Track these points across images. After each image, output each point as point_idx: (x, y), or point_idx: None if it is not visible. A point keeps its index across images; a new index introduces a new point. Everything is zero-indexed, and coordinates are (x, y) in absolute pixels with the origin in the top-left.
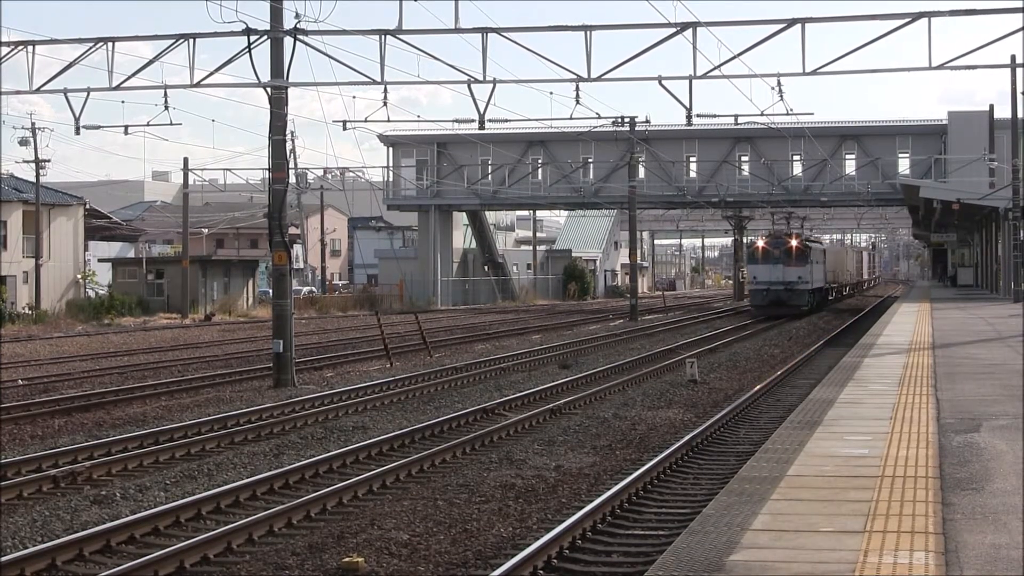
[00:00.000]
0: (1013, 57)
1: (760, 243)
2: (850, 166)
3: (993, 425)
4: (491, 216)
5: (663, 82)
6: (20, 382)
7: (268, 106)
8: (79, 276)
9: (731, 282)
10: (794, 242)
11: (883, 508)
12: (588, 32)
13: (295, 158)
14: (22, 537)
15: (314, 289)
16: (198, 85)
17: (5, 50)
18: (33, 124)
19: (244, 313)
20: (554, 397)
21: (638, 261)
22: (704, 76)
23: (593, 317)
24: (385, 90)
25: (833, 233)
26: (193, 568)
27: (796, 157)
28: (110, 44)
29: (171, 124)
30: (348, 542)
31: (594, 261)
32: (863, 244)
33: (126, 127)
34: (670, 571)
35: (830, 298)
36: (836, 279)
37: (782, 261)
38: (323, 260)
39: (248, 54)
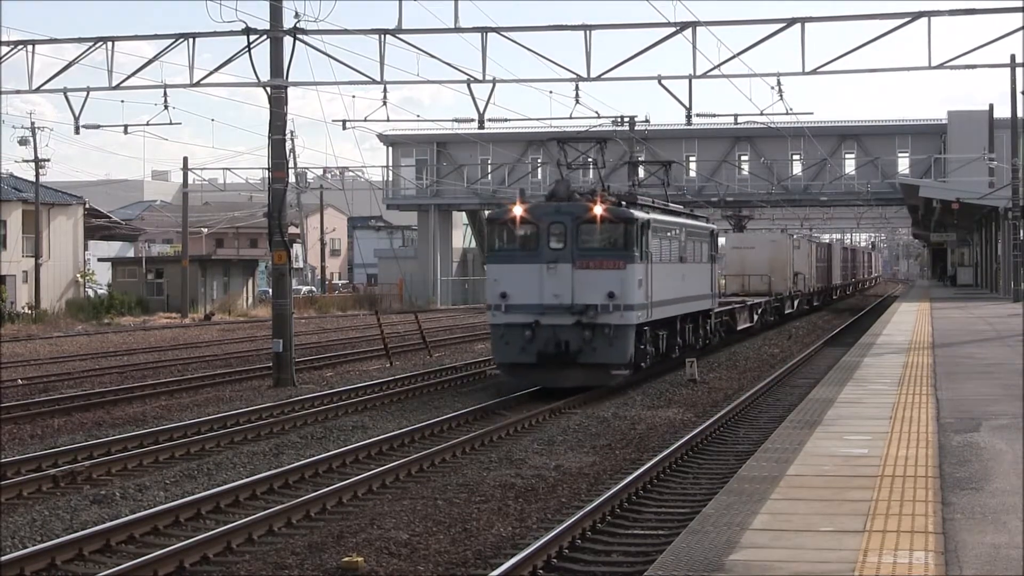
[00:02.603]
0: (1013, 56)
1: (517, 211)
2: (850, 165)
3: (993, 425)
4: None
5: (663, 81)
6: (19, 382)
7: (268, 106)
8: (78, 276)
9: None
10: (598, 209)
11: (883, 508)
12: (588, 32)
13: (295, 158)
14: (22, 537)
15: (314, 289)
16: (198, 84)
17: (5, 49)
18: (33, 124)
19: (244, 313)
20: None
21: None
22: (704, 76)
23: None
24: (385, 90)
25: (832, 232)
26: (193, 568)
27: (796, 156)
28: (110, 43)
29: (171, 124)
30: (348, 541)
31: None
32: (863, 243)
33: (126, 127)
34: (670, 571)
35: (745, 327)
36: (772, 288)
37: (567, 256)
38: (323, 260)
39: (248, 54)
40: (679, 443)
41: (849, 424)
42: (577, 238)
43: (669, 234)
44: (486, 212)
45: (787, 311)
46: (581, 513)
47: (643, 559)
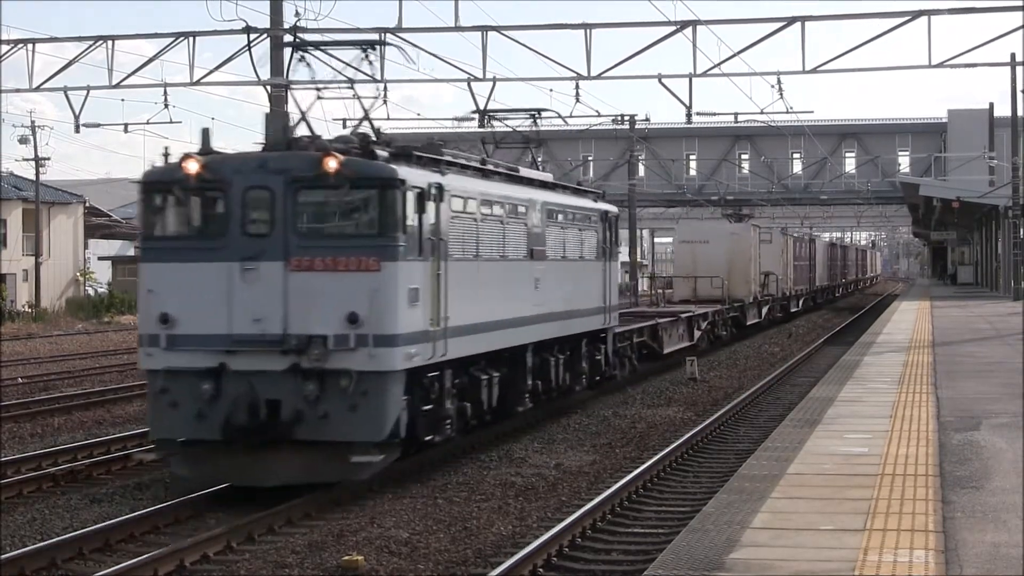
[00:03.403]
0: (1013, 55)
1: (191, 167)
2: (850, 164)
3: (993, 423)
4: None
5: (663, 80)
6: (20, 380)
7: (268, 104)
8: (79, 274)
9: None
10: (331, 163)
11: (883, 506)
12: (588, 30)
13: None
14: (22, 536)
15: None
16: (198, 83)
17: (6, 48)
18: (33, 122)
19: None
20: None
21: (638, 260)
22: (704, 74)
23: None
24: (385, 88)
25: (833, 231)
26: (193, 567)
27: (796, 155)
28: (110, 42)
29: (171, 122)
30: (348, 540)
31: None
32: (863, 242)
33: (126, 125)
34: (670, 569)
35: (677, 348)
36: (729, 293)
37: (276, 247)
38: None
39: (248, 52)
40: (679, 442)
41: (849, 423)
42: (294, 216)
43: (498, 212)
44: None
45: (750, 321)
46: (581, 511)
47: (644, 557)
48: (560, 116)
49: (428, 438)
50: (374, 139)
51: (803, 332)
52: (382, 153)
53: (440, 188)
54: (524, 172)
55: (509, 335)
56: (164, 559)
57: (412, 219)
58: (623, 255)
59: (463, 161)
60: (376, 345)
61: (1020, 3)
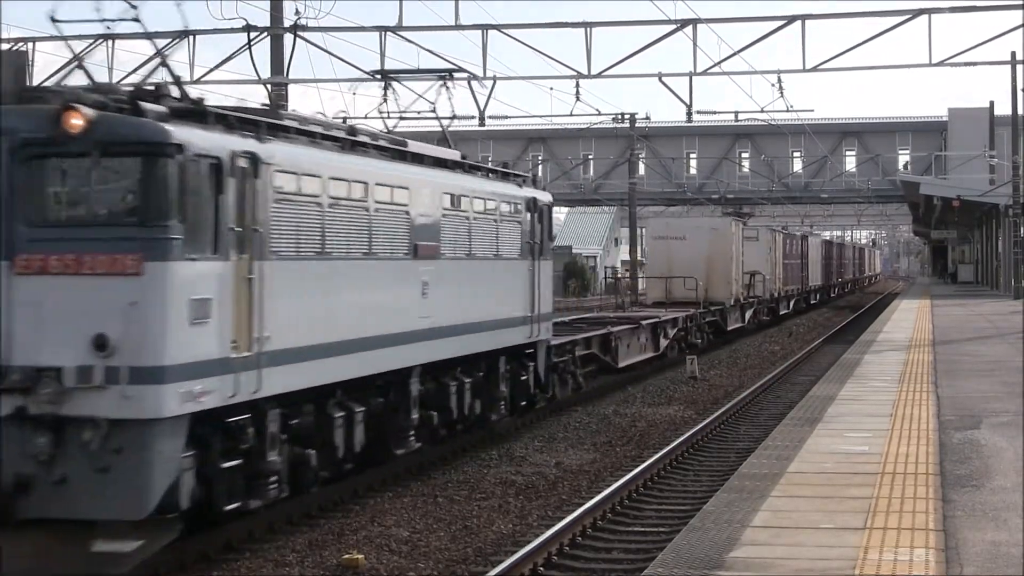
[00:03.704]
0: (1013, 54)
1: None
2: (850, 163)
3: (993, 422)
4: None
5: (663, 79)
6: None
7: (268, 103)
8: None
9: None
10: (76, 119)
11: (883, 505)
12: (588, 29)
13: None
14: None
15: None
16: (198, 82)
17: (6, 46)
18: None
19: None
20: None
21: (639, 258)
22: (704, 73)
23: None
24: (385, 87)
25: (833, 230)
26: (193, 566)
27: (796, 154)
28: (110, 41)
29: None
30: (348, 539)
31: (594, 258)
32: (863, 240)
33: None
34: (671, 568)
35: (637, 360)
36: (707, 296)
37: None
38: None
39: (248, 51)
40: (679, 440)
41: (849, 421)
42: (23, 196)
43: (358, 196)
44: None
45: (731, 326)
46: (581, 510)
47: (644, 556)
48: (474, 76)
49: (233, 507)
50: (161, 92)
51: (803, 331)
52: (155, 108)
53: (254, 159)
54: (414, 147)
55: (378, 357)
56: (164, 559)
57: (200, 201)
58: (623, 254)
59: (314, 128)
60: (134, 381)
61: (1020, 1)
